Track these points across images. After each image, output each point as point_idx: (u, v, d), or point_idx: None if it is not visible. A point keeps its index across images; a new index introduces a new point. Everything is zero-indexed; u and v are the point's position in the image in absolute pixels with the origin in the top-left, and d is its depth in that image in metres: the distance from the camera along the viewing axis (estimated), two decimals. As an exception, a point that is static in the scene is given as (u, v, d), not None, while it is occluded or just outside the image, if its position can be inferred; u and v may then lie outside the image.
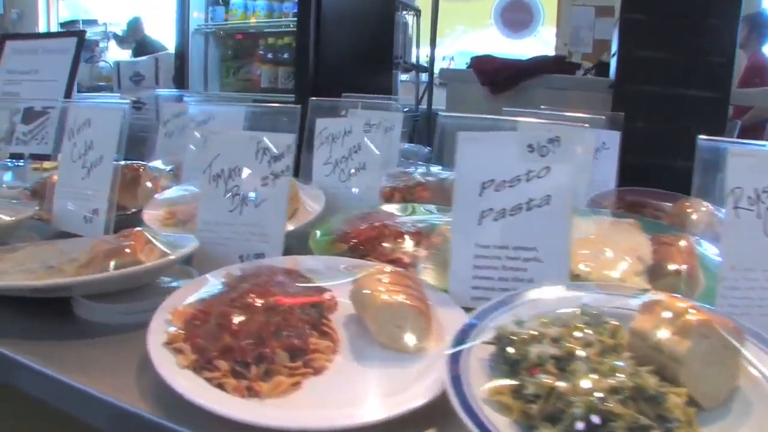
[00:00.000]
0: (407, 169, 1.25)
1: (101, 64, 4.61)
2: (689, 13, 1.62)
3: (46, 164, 1.59)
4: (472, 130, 0.73)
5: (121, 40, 5.28)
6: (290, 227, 0.88)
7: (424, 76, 3.98)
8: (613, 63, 1.96)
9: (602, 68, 2.72)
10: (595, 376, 0.48)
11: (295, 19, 2.86)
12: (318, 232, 0.91)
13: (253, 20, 3.31)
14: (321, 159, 1.09)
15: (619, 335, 0.54)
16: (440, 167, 1.36)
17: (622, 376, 0.47)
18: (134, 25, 5.04)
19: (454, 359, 0.52)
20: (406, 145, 1.49)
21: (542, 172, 0.71)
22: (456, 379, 0.50)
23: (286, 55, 3.24)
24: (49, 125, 1.60)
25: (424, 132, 3.39)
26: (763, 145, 0.75)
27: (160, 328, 0.60)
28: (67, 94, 1.60)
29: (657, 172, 1.63)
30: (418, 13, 3.90)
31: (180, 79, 3.28)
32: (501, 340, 0.54)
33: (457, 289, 0.71)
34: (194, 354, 0.55)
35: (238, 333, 0.55)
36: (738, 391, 0.53)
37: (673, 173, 1.65)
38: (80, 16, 5.72)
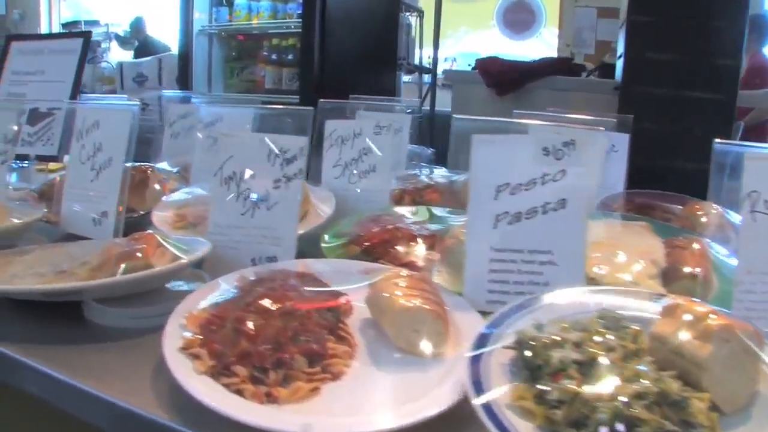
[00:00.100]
0: (412, 171, 1.25)
1: (103, 65, 4.60)
2: (696, 15, 1.62)
3: (52, 165, 1.59)
4: (486, 132, 0.72)
5: (123, 41, 5.28)
6: (301, 230, 0.88)
7: (426, 77, 3.98)
8: (619, 65, 1.96)
9: (605, 70, 2.72)
10: (619, 382, 0.47)
11: (300, 20, 2.86)
12: (328, 235, 0.90)
13: (256, 21, 3.31)
14: (330, 161, 1.08)
15: (640, 340, 0.54)
16: (444, 169, 1.36)
17: (647, 381, 0.47)
18: (136, 26, 5.05)
19: (475, 364, 0.52)
20: (410, 146, 1.49)
21: (558, 176, 0.70)
22: (477, 385, 0.49)
23: (290, 56, 3.23)
24: (55, 126, 1.60)
25: (427, 133, 3.38)
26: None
27: (176, 332, 0.59)
28: (73, 96, 1.59)
29: (664, 174, 1.63)
30: (421, 14, 3.90)
31: (184, 80, 3.27)
32: (521, 344, 0.53)
33: (472, 292, 0.70)
34: (211, 359, 0.54)
35: (256, 338, 0.55)
36: (758, 396, 0.53)
37: (681, 175, 1.65)
38: (82, 17, 5.73)
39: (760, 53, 3.39)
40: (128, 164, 0.99)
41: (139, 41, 5.04)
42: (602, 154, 0.93)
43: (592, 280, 0.74)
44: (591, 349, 0.51)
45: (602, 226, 0.91)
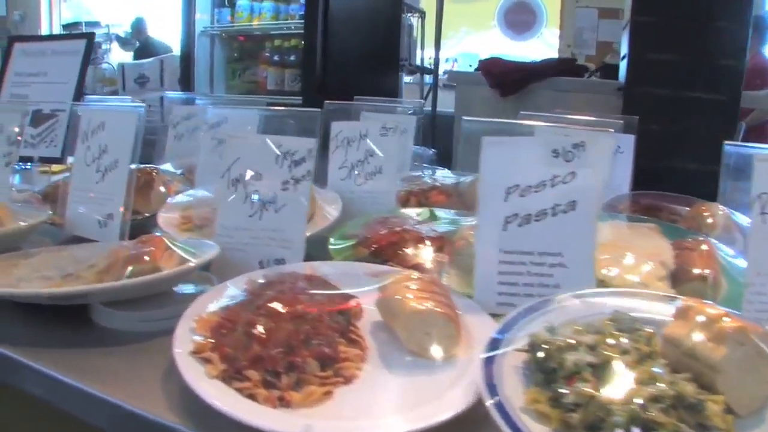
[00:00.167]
0: (416, 173, 1.25)
1: (104, 66, 4.60)
2: (700, 16, 1.62)
3: (55, 167, 1.59)
4: (495, 134, 0.72)
5: (124, 42, 5.28)
6: (308, 232, 0.88)
7: (427, 78, 3.98)
8: (623, 66, 1.96)
9: (607, 70, 2.72)
10: (635, 385, 0.47)
11: (302, 21, 2.86)
12: (335, 238, 0.90)
13: (258, 22, 3.31)
14: (336, 163, 1.08)
15: (653, 342, 0.54)
16: (446, 169, 1.36)
17: (662, 384, 0.47)
18: (137, 26, 5.04)
19: (488, 367, 0.52)
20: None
21: (567, 178, 0.70)
22: (492, 388, 0.49)
23: (292, 57, 3.23)
24: (58, 128, 1.60)
25: (428, 134, 3.38)
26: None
27: (186, 336, 0.59)
28: (77, 97, 1.59)
29: (667, 174, 1.63)
30: (422, 15, 3.90)
31: (186, 82, 3.27)
32: (534, 347, 0.53)
33: (482, 295, 0.70)
34: (223, 363, 0.54)
35: (267, 342, 0.55)
36: (772, 398, 0.53)
37: (684, 176, 1.65)
38: (83, 18, 5.73)
39: (760, 54, 3.39)
40: (133, 166, 0.98)
41: (140, 42, 5.04)
42: (611, 156, 0.92)
43: (601, 282, 0.74)
44: (605, 352, 0.50)
45: (610, 228, 0.90)
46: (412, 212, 0.97)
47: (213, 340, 0.56)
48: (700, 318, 0.54)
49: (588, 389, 0.46)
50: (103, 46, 5.14)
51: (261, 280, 0.69)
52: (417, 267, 0.77)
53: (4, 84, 1.69)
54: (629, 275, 0.78)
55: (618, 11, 4.32)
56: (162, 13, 5.26)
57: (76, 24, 5.46)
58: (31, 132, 1.60)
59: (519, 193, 0.71)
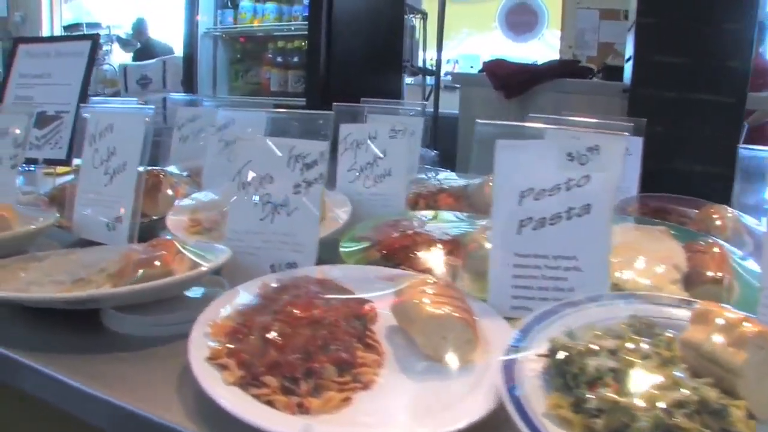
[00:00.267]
0: (420, 175, 1.24)
1: (105, 67, 4.60)
2: (705, 18, 1.62)
3: (60, 169, 1.58)
4: (509, 137, 0.72)
5: (125, 43, 5.27)
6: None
7: (429, 79, 3.98)
8: (628, 68, 1.96)
9: (609, 72, 2.72)
10: (657, 390, 0.47)
11: (305, 22, 2.86)
12: (345, 240, 0.90)
13: (261, 24, 3.30)
14: (345, 165, 1.08)
15: (673, 347, 0.54)
16: (449, 171, 1.36)
17: (686, 389, 0.46)
18: (138, 27, 5.03)
19: (508, 372, 0.52)
20: (414, 149, 1.48)
21: (582, 181, 0.70)
22: (513, 393, 0.49)
23: (295, 59, 3.22)
24: (63, 130, 1.59)
25: (430, 135, 3.38)
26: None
27: (201, 342, 0.58)
28: (82, 99, 1.58)
29: (673, 176, 1.62)
30: (424, 16, 3.90)
31: (189, 83, 3.26)
32: (555, 352, 0.53)
33: (496, 299, 0.70)
34: (240, 370, 0.53)
35: (285, 348, 0.54)
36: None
37: (691, 178, 1.65)
38: (83, 19, 5.72)
39: (760, 55, 3.40)
40: (141, 168, 0.98)
41: (141, 43, 5.03)
42: (624, 159, 0.92)
43: (614, 286, 0.74)
44: (627, 357, 0.50)
45: (621, 231, 0.90)
46: (421, 215, 0.97)
47: (231, 346, 0.56)
48: (720, 322, 0.54)
49: (611, 395, 0.46)
50: (104, 47, 5.14)
51: (274, 285, 0.69)
52: (429, 270, 0.77)
53: (9, 86, 1.69)
54: (642, 278, 0.78)
55: (619, 12, 4.33)
56: (163, 14, 5.25)
57: (77, 25, 5.45)
58: (36, 134, 1.59)
59: (533, 196, 0.70)
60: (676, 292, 0.77)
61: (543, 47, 5.75)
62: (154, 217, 1.08)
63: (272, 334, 0.56)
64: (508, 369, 0.52)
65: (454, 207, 1.06)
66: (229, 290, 0.72)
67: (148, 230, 1.02)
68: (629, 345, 0.53)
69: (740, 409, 0.48)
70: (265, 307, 0.63)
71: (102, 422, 0.61)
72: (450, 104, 3.28)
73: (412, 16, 3.68)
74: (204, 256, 0.77)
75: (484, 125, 0.72)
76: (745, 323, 0.53)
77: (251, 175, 0.82)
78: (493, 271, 0.71)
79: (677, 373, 0.49)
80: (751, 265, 0.85)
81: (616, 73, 2.45)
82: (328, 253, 0.87)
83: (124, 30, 5.43)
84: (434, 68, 3.64)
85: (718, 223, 1.03)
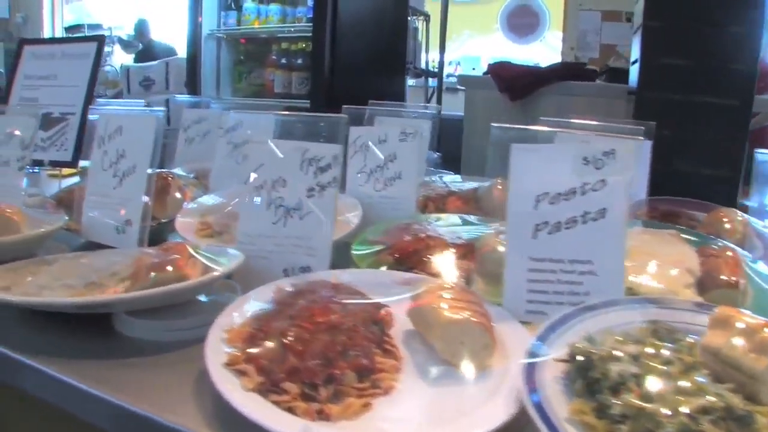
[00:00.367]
0: (425, 178, 1.24)
1: (107, 68, 4.59)
2: (712, 21, 1.62)
3: (65, 171, 1.58)
4: (522, 141, 0.72)
5: (127, 44, 5.26)
6: (330, 239, 0.87)
7: (431, 81, 3.98)
8: (634, 70, 1.96)
9: (613, 74, 2.72)
10: (681, 396, 0.47)
11: (309, 24, 2.85)
12: (356, 244, 0.90)
13: (264, 25, 3.30)
14: (355, 168, 1.07)
15: (695, 352, 0.53)
16: (452, 173, 1.36)
17: (711, 396, 0.46)
18: (140, 29, 5.03)
19: (530, 377, 0.51)
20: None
21: (597, 185, 0.70)
22: (536, 398, 0.49)
23: (299, 61, 3.22)
24: (69, 132, 1.59)
25: (433, 137, 3.38)
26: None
27: (218, 348, 0.58)
28: (88, 100, 1.58)
29: (679, 179, 1.62)
30: (427, 18, 3.91)
31: (192, 84, 3.26)
32: (575, 357, 0.52)
33: (511, 303, 0.70)
34: (260, 376, 0.53)
35: (304, 353, 0.54)
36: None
37: (697, 181, 1.65)
38: (85, 21, 5.72)
39: (762, 58, 3.40)
40: (151, 171, 0.97)
41: (143, 44, 5.03)
42: (637, 163, 0.92)
43: (628, 290, 0.73)
44: (649, 363, 0.50)
45: (632, 235, 0.90)
46: (432, 218, 0.97)
47: (250, 352, 0.55)
48: (740, 327, 0.54)
49: (635, 400, 0.46)
50: (106, 49, 5.13)
51: (289, 289, 0.69)
52: (442, 274, 0.77)
53: (14, 87, 1.69)
54: (656, 282, 0.78)
55: (621, 14, 4.33)
56: (164, 15, 5.25)
57: (78, 26, 5.46)
58: (42, 135, 1.59)
59: (549, 200, 0.70)
60: (691, 296, 0.77)
61: (545, 49, 5.76)
62: (163, 220, 1.08)
63: (291, 340, 0.55)
64: (529, 374, 0.52)
65: (463, 210, 1.06)
66: (242, 295, 0.72)
67: (157, 233, 1.01)
68: (650, 350, 0.53)
69: (765, 416, 0.47)
70: (281, 312, 0.62)
71: (112, 427, 0.60)
72: (452, 106, 3.28)
73: (415, 18, 3.69)
74: (217, 261, 0.77)
75: (499, 129, 0.72)
76: (766, 329, 0.53)
77: (263, 178, 0.81)
78: (508, 275, 0.71)
79: (700, 379, 0.49)
80: (763, 268, 0.85)
81: (618, 74, 2.45)
82: (338, 256, 0.87)
83: (126, 31, 5.42)
84: (437, 70, 3.65)
85: (727, 226, 1.03)
